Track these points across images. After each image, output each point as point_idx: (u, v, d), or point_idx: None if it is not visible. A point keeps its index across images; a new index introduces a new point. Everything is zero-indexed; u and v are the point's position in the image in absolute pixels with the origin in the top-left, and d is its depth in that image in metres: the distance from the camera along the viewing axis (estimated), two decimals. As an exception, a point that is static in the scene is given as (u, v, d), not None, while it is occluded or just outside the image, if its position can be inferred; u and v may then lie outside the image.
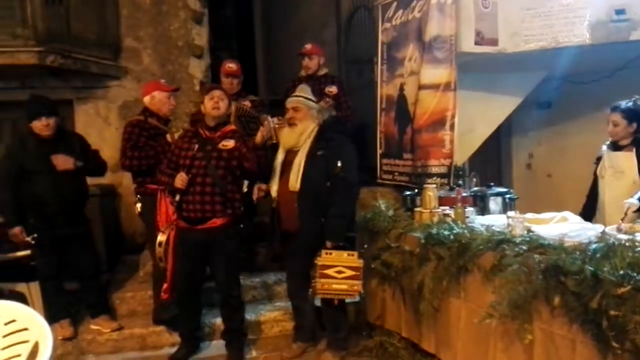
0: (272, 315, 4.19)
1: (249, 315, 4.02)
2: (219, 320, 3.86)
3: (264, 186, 3.62)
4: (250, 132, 4.25)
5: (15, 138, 4.17)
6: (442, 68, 4.14)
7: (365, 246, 3.76)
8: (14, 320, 2.32)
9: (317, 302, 3.72)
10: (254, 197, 3.64)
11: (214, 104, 3.47)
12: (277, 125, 4.13)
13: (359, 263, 3.38)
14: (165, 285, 3.63)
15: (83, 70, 5.17)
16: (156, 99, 3.91)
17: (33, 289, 4.11)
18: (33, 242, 3.82)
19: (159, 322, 4.00)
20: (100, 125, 5.52)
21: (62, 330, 3.94)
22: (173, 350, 3.78)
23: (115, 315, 4.19)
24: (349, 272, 3.31)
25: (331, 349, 3.65)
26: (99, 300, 4.13)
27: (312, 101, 3.64)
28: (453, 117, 4.14)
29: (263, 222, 4.44)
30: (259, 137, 3.63)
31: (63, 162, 3.79)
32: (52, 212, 3.82)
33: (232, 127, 3.67)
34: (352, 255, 3.39)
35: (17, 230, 3.80)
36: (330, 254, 3.35)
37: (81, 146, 4.03)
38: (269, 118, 4.02)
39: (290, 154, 3.56)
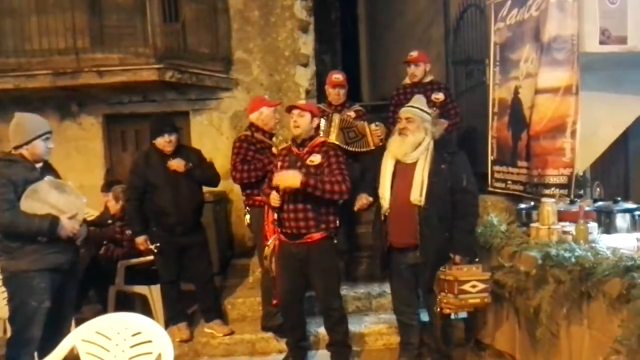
0: (376, 328, 4.15)
1: (353, 327, 3.98)
2: (323, 330, 3.87)
3: (369, 198, 3.55)
4: (349, 142, 4.29)
5: (140, 152, 4.48)
6: (562, 70, 3.83)
7: (477, 260, 3.58)
8: (139, 333, 2.51)
9: (425, 317, 3.64)
10: (356, 207, 3.58)
11: (294, 123, 3.52)
12: (374, 131, 4.28)
13: (488, 276, 3.29)
14: (275, 292, 3.72)
15: (198, 84, 5.47)
16: (264, 115, 4.02)
17: (154, 291, 4.45)
18: (156, 250, 4.12)
19: (266, 329, 4.12)
20: (213, 135, 5.83)
21: (180, 332, 4.21)
22: (280, 357, 3.88)
23: (227, 320, 4.38)
24: (481, 286, 3.24)
25: (438, 367, 3.55)
26: (213, 305, 4.33)
27: (427, 113, 3.51)
28: (574, 123, 3.81)
29: (366, 232, 4.41)
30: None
31: (176, 164, 4.06)
32: (172, 222, 4.10)
33: (320, 140, 3.63)
34: (479, 268, 3.32)
35: (142, 239, 4.15)
36: (462, 268, 3.29)
37: (197, 159, 4.26)
38: (365, 125, 4.26)
39: (401, 164, 3.45)
